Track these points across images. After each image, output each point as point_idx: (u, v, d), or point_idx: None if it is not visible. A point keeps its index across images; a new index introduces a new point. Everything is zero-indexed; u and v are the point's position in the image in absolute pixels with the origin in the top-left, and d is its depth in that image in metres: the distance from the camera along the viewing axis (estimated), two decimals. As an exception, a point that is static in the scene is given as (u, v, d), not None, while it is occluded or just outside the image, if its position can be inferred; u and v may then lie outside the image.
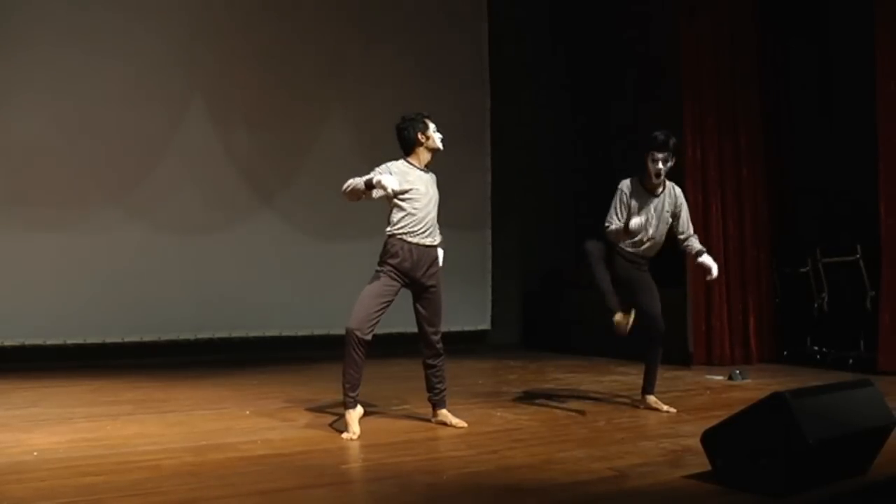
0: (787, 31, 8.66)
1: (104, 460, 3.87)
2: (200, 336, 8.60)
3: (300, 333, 8.98)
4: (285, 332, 8.98)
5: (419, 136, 4.65)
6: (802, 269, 7.92)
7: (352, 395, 4.53)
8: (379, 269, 4.61)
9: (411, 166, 4.65)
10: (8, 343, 7.82)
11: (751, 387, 6.36)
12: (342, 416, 4.57)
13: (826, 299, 7.58)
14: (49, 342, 7.95)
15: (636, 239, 5.12)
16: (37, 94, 8.03)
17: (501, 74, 10.43)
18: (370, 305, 4.49)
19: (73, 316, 8.02)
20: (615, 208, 5.10)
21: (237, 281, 8.74)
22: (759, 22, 8.35)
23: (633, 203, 5.10)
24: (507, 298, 10.43)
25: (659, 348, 5.29)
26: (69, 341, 8.03)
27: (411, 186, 4.57)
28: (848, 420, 3.30)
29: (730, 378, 6.77)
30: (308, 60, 9.25)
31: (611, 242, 5.16)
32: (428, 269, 4.63)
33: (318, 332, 8.78)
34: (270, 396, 5.92)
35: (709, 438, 3.46)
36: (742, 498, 3.22)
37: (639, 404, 5.40)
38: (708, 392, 6.18)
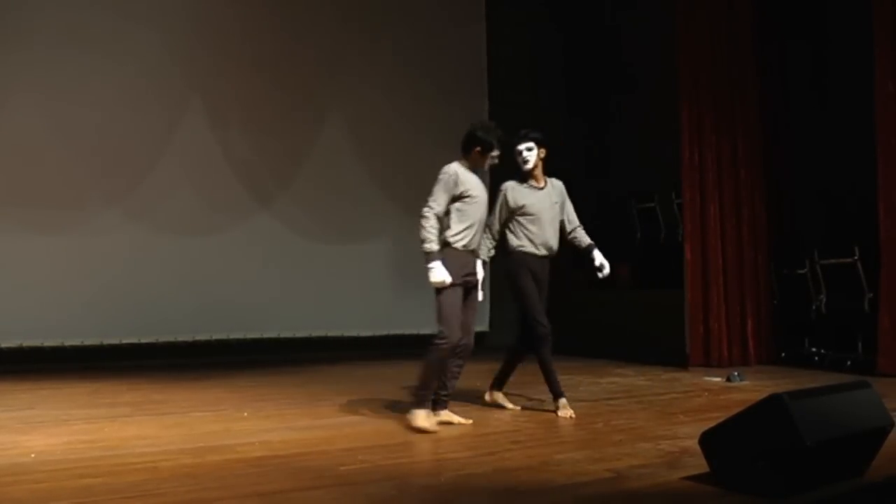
0: (785, 31, 8.67)
1: (102, 462, 3.86)
2: (198, 338, 8.60)
3: (298, 335, 8.95)
4: (283, 334, 8.96)
5: (476, 151, 4.74)
6: (800, 271, 7.91)
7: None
8: (450, 281, 4.62)
9: (465, 169, 4.77)
10: (5, 345, 7.81)
11: (749, 388, 6.35)
12: (411, 413, 4.62)
13: (824, 301, 7.58)
14: (47, 344, 7.94)
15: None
16: (35, 95, 8.03)
17: (500, 75, 10.43)
18: (459, 316, 4.64)
19: (71, 317, 8.02)
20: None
21: (235, 282, 8.73)
22: (757, 23, 8.36)
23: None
24: (505, 300, 10.40)
25: (545, 348, 5.30)
26: (67, 343, 8.03)
27: (466, 188, 4.68)
28: (846, 422, 3.31)
29: (728, 380, 6.77)
30: (306, 61, 9.25)
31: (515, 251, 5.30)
32: (473, 273, 4.84)
33: (315, 333, 8.75)
34: (268, 398, 5.91)
35: (707, 440, 3.46)
36: (740, 499, 3.23)
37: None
38: (706, 394, 6.18)
